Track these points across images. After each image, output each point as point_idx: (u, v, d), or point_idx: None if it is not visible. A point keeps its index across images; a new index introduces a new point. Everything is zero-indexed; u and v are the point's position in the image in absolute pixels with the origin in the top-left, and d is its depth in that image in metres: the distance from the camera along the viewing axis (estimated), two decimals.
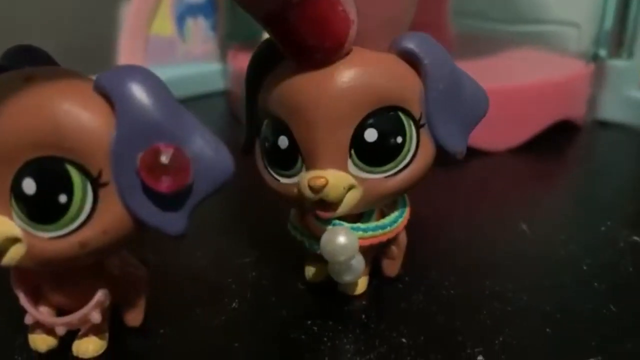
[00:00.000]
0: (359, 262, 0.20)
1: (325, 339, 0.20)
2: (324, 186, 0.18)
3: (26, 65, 0.17)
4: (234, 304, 0.22)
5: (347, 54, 0.18)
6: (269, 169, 0.21)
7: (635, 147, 0.42)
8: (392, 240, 0.22)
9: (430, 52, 0.19)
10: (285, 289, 0.23)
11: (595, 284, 0.23)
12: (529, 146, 0.39)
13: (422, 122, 0.19)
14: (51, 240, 0.15)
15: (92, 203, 0.15)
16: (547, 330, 0.20)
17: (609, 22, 0.45)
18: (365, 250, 0.21)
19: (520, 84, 0.39)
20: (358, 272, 0.20)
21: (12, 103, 0.15)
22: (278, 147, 0.20)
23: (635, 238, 0.27)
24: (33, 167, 0.15)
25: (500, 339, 0.20)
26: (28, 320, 0.18)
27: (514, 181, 0.35)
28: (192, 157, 0.16)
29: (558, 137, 0.41)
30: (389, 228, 0.21)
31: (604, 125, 0.45)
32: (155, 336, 0.20)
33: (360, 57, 0.19)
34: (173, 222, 0.16)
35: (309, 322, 0.21)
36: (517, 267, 0.25)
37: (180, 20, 0.53)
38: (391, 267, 0.23)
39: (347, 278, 0.20)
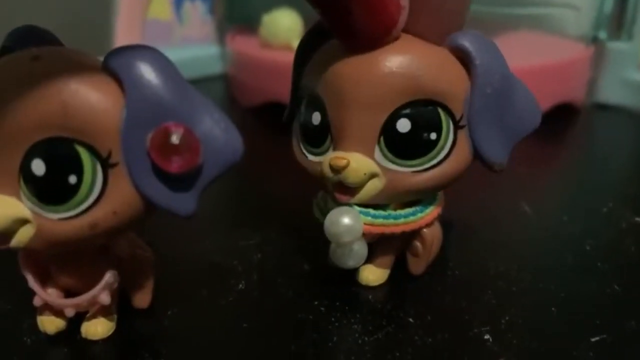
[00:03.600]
0: (361, 247, 0.20)
1: (332, 319, 0.20)
2: (344, 167, 0.18)
3: (31, 46, 0.17)
4: (240, 285, 0.22)
5: (396, 39, 0.18)
6: (300, 144, 0.21)
7: (635, 129, 0.42)
8: (414, 236, 0.21)
9: (484, 54, 0.18)
10: (290, 271, 0.23)
11: (599, 264, 0.23)
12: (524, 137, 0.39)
13: (462, 123, 0.18)
14: (61, 221, 0.15)
15: (102, 184, 0.15)
16: (552, 309, 0.20)
17: (608, 5, 0.45)
18: (381, 239, 0.20)
19: (519, 66, 0.39)
20: (360, 258, 0.20)
21: (20, 83, 0.15)
22: (311, 122, 0.19)
23: (637, 219, 0.27)
24: (42, 148, 0.15)
25: (507, 318, 0.20)
26: (37, 302, 0.18)
27: (514, 163, 0.35)
28: (201, 137, 0.15)
29: (558, 120, 0.41)
30: (402, 220, 0.20)
31: (603, 107, 0.46)
32: (163, 317, 0.20)
33: (407, 46, 0.18)
34: (183, 203, 0.16)
35: (316, 302, 0.21)
36: (520, 248, 0.25)
37: (178, 3, 0.52)
38: (415, 264, 0.22)
39: (350, 263, 0.20)
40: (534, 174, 0.34)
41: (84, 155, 0.15)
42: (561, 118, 0.42)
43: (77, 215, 0.15)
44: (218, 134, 0.16)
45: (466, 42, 0.18)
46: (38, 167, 0.15)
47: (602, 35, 0.45)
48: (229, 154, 0.16)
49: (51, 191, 0.15)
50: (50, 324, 0.19)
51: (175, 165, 0.15)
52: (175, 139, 0.15)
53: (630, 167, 0.36)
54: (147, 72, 0.15)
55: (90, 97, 0.15)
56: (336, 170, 0.18)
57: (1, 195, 0.15)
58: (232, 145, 0.16)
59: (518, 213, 0.28)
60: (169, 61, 0.16)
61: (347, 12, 0.17)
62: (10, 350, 0.18)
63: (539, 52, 0.42)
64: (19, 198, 0.15)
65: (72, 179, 0.15)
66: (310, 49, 0.20)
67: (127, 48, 0.16)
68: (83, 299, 0.18)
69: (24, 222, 0.15)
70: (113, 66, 0.15)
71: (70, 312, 0.18)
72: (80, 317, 0.19)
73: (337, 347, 0.19)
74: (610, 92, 0.45)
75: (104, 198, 0.15)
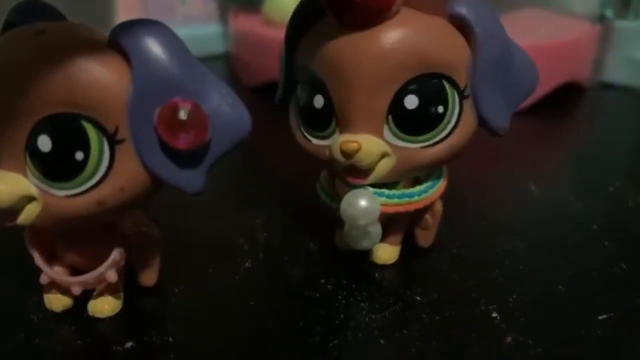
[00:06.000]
0: (376, 228, 0.20)
1: (339, 297, 0.20)
2: (356, 151, 0.18)
3: (35, 20, 0.16)
4: (247, 264, 0.22)
5: (395, 14, 0.17)
6: (301, 128, 0.20)
7: None
8: (426, 210, 0.21)
9: (483, 21, 0.18)
10: (297, 249, 0.23)
11: (605, 242, 0.23)
12: (535, 108, 0.39)
13: (466, 93, 0.18)
14: (68, 198, 0.15)
15: (109, 160, 0.15)
16: (560, 287, 0.20)
17: None
18: (394, 218, 0.20)
19: (526, 45, 0.39)
20: (375, 238, 0.20)
21: (24, 59, 0.14)
22: (313, 106, 0.19)
23: None
24: (48, 124, 0.15)
25: (514, 296, 0.20)
26: (43, 279, 0.18)
27: (521, 143, 0.35)
28: (209, 113, 0.15)
29: (564, 99, 0.41)
30: (416, 197, 0.20)
31: (609, 87, 0.45)
32: (170, 295, 0.20)
33: (407, 20, 0.17)
34: (191, 180, 0.16)
35: (323, 280, 0.21)
36: (527, 227, 0.25)
37: None
38: (425, 237, 0.22)
39: (364, 244, 0.20)
40: (540, 154, 0.34)
41: (91, 131, 0.15)
42: (567, 97, 0.41)
43: (84, 192, 0.15)
44: (226, 109, 0.16)
45: (464, 11, 0.18)
46: (44, 143, 0.15)
47: (609, 13, 0.45)
48: (237, 129, 0.16)
49: (58, 168, 0.15)
50: (57, 301, 0.19)
51: (183, 142, 0.15)
52: (183, 114, 0.15)
53: (636, 147, 0.36)
54: (155, 47, 0.15)
55: (96, 72, 0.15)
56: (348, 154, 0.18)
57: (7, 172, 0.15)
58: (240, 121, 0.16)
59: (525, 192, 0.28)
60: (176, 36, 0.16)
61: None
62: (16, 327, 0.19)
63: (545, 31, 0.42)
64: (25, 175, 0.15)
65: (79, 155, 0.15)
66: (304, 24, 0.20)
67: (134, 22, 0.15)
68: (90, 276, 0.18)
69: (30, 199, 0.15)
70: (120, 41, 0.15)
71: (77, 290, 0.18)
72: (86, 295, 0.19)
73: (345, 324, 0.19)
74: (617, 72, 0.45)
75: (111, 175, 0.15)
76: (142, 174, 0.16)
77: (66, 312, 0.19)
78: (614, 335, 0.18)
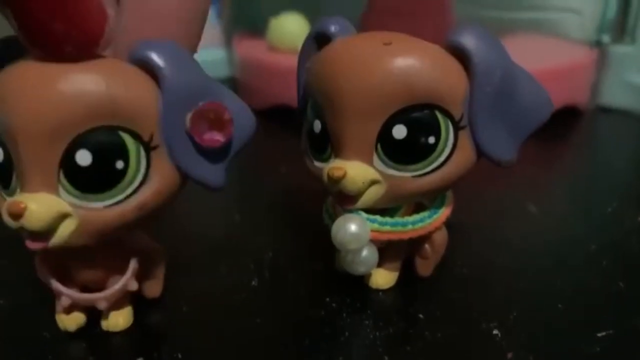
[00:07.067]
0: (371, 253, 0.20)
1: (344, 314, 0.20)
2: (341, 178, 0.18)
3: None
4: (253, 282, 0.22)
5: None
6: (307, 149, 0.21)
7: (638, 132, 0.42)
8: (425, 239, 0.21)
9: (482, 50, 0.17)
10: (302, 268, 0.23)
11: (604, 262, 0.24)
12: (534, 131, 0.39)
13: (462, 123, 0.18)
14: (108, 207, 0.16)
15: (145, 166, 0.16)
16: (559, 305, 0.21)
17: (612, 8, 0.45)
18: (391, 244, 0.20)
19: None
20: (371, 264, 0.20)
21: (65, 80, 0.15)
22: (313, 130, 0.19)
23: None
24: (87, 139, 0.15)
25: (514, 313, 0.20)
26: (65, 302, 0.18)
27: (519, 165, 0.35)
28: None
29: (562, 123, 0.41)
30: (410, 227, 0.20)
31: (607, 110, 0.46)
32: (178, 313, 0.20)
33: (400, 48, 0.17)
34: (216, 176, 0.18)
35: (327, 299, 0.21)
36: (527, 246, 0.25)
37: None
38: (424, 266, 0.22)
39: (361, 269, 0.20)
40: (539, 175, 0.34)
41: (128, 141, 0.16)
42: (565, 121, 0.42)
43: (123, 200, 0.16)
44: (239, 109, 0.18)
45: (463, 40, 0.17)
46: (83, 157, 0.15)
47: (605, 39, 0.46)
48: (249, 128, 0.18)
49: (98, 179, 0.16)
50: (71, 321, 0.19)
51: (214, 140, 0.17)
52: (213, 115, 0.16)
53: (633, 169, 0.36)
54: (177, 59, 0.16)
55: (131, 87, 0.16)
56: (333, 181, 0.18)
57: (39, 194, 0.15)
58: (250, 120, 0.18)
59: (524, 213, 0.28)
60: (186, 50, 0.17)
61: (32, 12, 0.14)
62: (29, 345, 0.19)
63: (542, 56, 0.43)
64: (56, 194, 0.16)
65: (119, 164, 0.16)
66: (310, 51, 0.20)
67: (149, 42, 0.16)
68: (115, 289, 0.19)
69: (63, 217, 0.16)
70: (141, 58, 0.16)
71: (103, 305, 0.19)
72: (95, 312, 0.19)
73: (349, 341, 0.19)
74: (614, 95, 0.46)
75: (148, 179, 0.16)
76: (175, 175, 0.17)
77: (77, 329, 0.19)
78: (613, 352, 0.18)
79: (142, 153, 0.16)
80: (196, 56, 0.18)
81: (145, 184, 0.16)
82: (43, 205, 0.15)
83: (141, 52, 0.16)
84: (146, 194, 0.16)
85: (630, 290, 0.22)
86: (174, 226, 0.26)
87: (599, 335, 0.19)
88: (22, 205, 0.15)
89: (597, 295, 0.22)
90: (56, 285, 0.18)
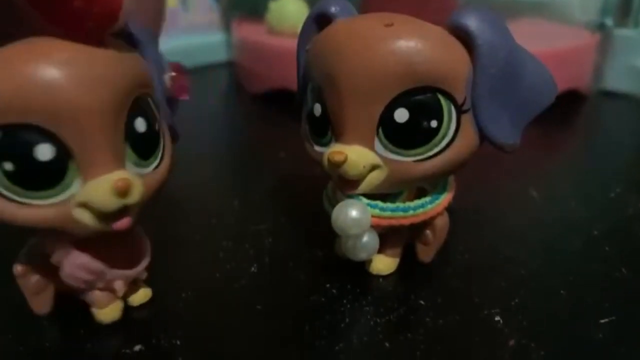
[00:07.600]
0: (372, 238, 0.20)
1: (344, 301, 0.20)
2: (342, 162, 0.18)
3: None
4: (252, 269, 0.22)
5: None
6: (308, 133, 0.20)
7: None
8: (426, 224, 0.21)
9: (486, 32, 0.17)
10: (301, 255, 0.23)
11: (607, 248, 0.24)
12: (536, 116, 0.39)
13: (465, 107, 0.18)
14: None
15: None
16: (562, 292, 0.21)
17: None
18: (392, 230, 0.20)
19: None
20: (372, 250, 0.20)
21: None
22: (313, 113, 0.19)
23: None
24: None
25: (516, 300, 0.20)
26: (119, 287, 0.19)
27: (521, 150, 0.35)
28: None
29: (564, 107, 0.41)
30: (411, 212, 0.20)
31: (609, 94, 0.46)
32: (177, 300, 0.20)
33: (403, 29, 0.17)
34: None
35: (328, 285, 0.21)
36: (529, 232, 0.25)
37: None
38: (425, 252, 0.22)
39: (362, 255, 0.20)
40: (541, 160, 0.34)
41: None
42: (568, 105, 0.42)
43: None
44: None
45: (467, 21, 0.17)
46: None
47: (609, 22, 0.45)
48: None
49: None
50: (104, 315, 0.19)
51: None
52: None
53: (636, 154, 0.36)
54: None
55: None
56: (334, 165, 0.18)
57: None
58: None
59: (526, 198, 0.28)
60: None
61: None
62: (27, 332, 0.19)
63: (545, 39, 0.42)
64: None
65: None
66: (311, 32, 0.20)
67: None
68: (142, 265, 0.19)
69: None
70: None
71: (120, 286, 0.19)
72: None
73: (350, 328, 0.19)
74: (617, 80, 0.45)
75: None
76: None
77: (75, 317, 0.19)
78: (615, 338, 0.18)
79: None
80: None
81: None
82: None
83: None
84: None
85: (633, 276, 0.22)
86: (173, 213, 0.26)
87: (602, 321, 0.19)
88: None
89: (599, 281, 0.21)
90: (96, 264, 0.18)
